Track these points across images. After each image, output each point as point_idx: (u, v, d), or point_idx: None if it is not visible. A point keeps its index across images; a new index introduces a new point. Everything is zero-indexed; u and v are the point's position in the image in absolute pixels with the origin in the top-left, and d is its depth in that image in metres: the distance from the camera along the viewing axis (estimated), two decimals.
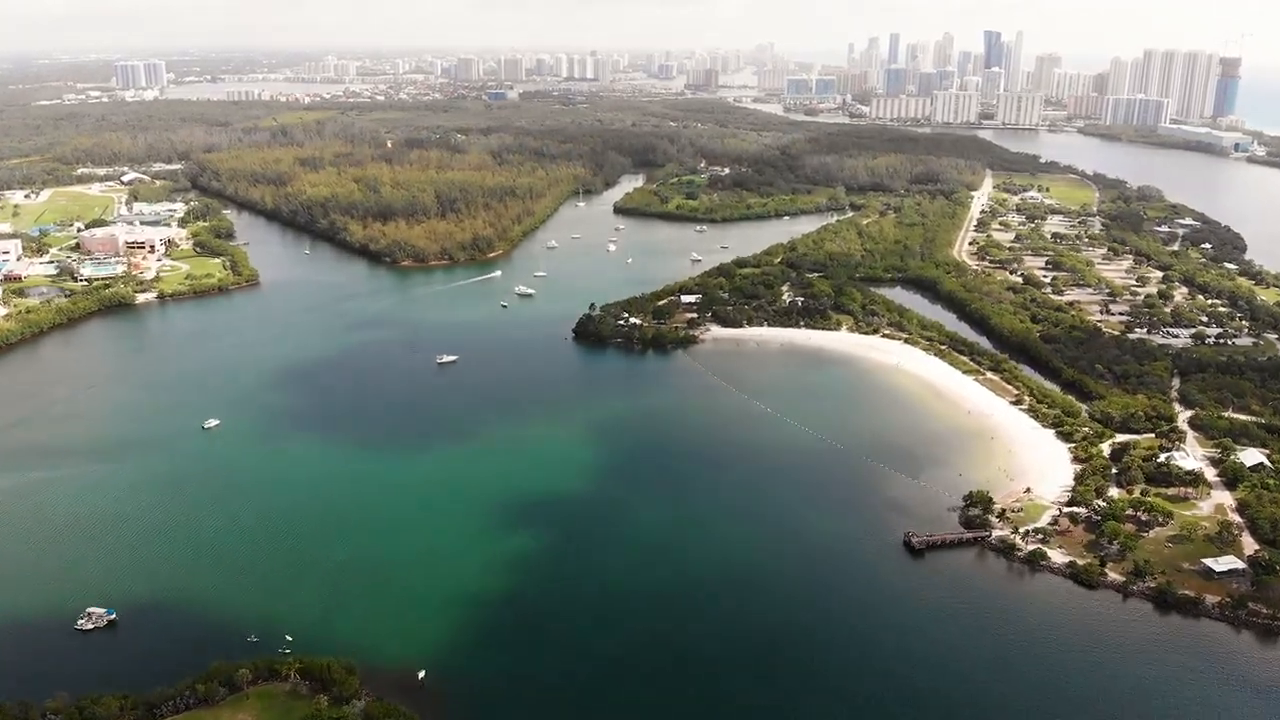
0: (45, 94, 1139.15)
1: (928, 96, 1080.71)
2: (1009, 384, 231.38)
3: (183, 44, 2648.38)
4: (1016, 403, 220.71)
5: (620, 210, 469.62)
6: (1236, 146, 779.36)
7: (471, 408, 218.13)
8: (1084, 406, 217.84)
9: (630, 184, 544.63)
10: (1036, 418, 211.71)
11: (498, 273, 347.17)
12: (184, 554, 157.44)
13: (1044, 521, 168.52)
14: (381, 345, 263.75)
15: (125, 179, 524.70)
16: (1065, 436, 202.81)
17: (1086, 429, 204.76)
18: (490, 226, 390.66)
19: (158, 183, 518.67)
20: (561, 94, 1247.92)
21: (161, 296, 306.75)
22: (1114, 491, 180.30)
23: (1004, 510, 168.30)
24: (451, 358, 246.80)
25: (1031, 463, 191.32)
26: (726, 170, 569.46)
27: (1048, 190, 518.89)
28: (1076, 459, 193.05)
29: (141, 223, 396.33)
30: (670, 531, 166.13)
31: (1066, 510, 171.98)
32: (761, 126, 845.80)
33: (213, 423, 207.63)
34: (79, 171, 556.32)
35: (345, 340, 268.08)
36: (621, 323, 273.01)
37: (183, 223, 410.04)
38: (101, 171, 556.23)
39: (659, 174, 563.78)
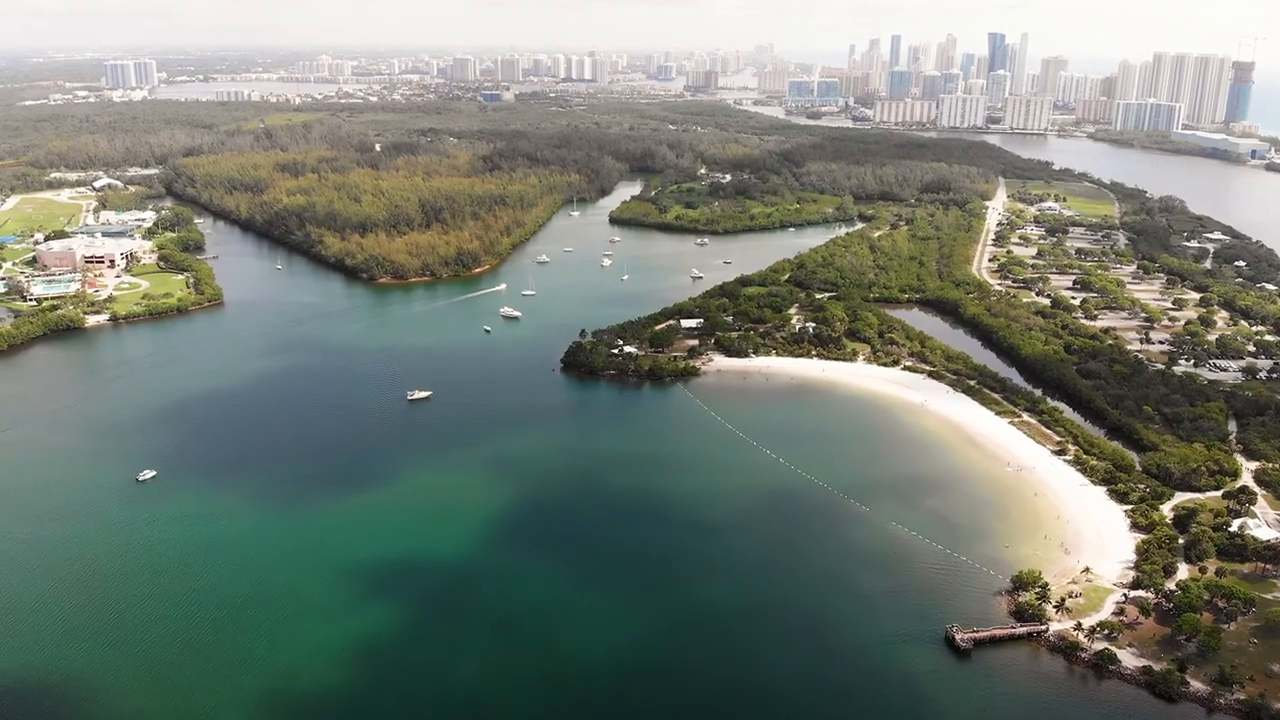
0: (33, 93, 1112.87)
1: (932, 100, 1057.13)
2: (1049, 429, 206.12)
3: (181, 43, 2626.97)
4: (1059, 452, 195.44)
5: (616, 220, 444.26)
6: (1253, 154, 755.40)
7: (442, 459, 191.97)
8: (1136, 458, 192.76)
9: (627, 191, 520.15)
10: (1084, 472, 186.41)
11: (502, 286, 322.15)
12: (91, 655, 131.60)
13: (1107, 610, 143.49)
14: (348, 378, 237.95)
15: (97, 185, 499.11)
16: (1119, 496, 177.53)
17: (1143, 487, 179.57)
18: (477, 239, 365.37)
19: (131, 189, 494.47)
20: (558, 95, 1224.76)
21: (114, 318, 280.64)
22: (1183, 569, 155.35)
23: (1063, 599, 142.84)
24: (424, 394, 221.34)
25: (1084, 530, 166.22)
26: (728, 177, 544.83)
27: (1065, 200, 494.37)
28: (1136, 526, 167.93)
29: (104, 234, 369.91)
30: (651, 624, 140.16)
31: (1132, 596, 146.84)
32: (764, 130, 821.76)
33: (148, 474, 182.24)
34: (51, 176, 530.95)
35: (309, 372, 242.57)
36: (615, 352, 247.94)
37: (150, 233, 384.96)
38: (73, 176, 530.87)
39: (657, 180, 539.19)
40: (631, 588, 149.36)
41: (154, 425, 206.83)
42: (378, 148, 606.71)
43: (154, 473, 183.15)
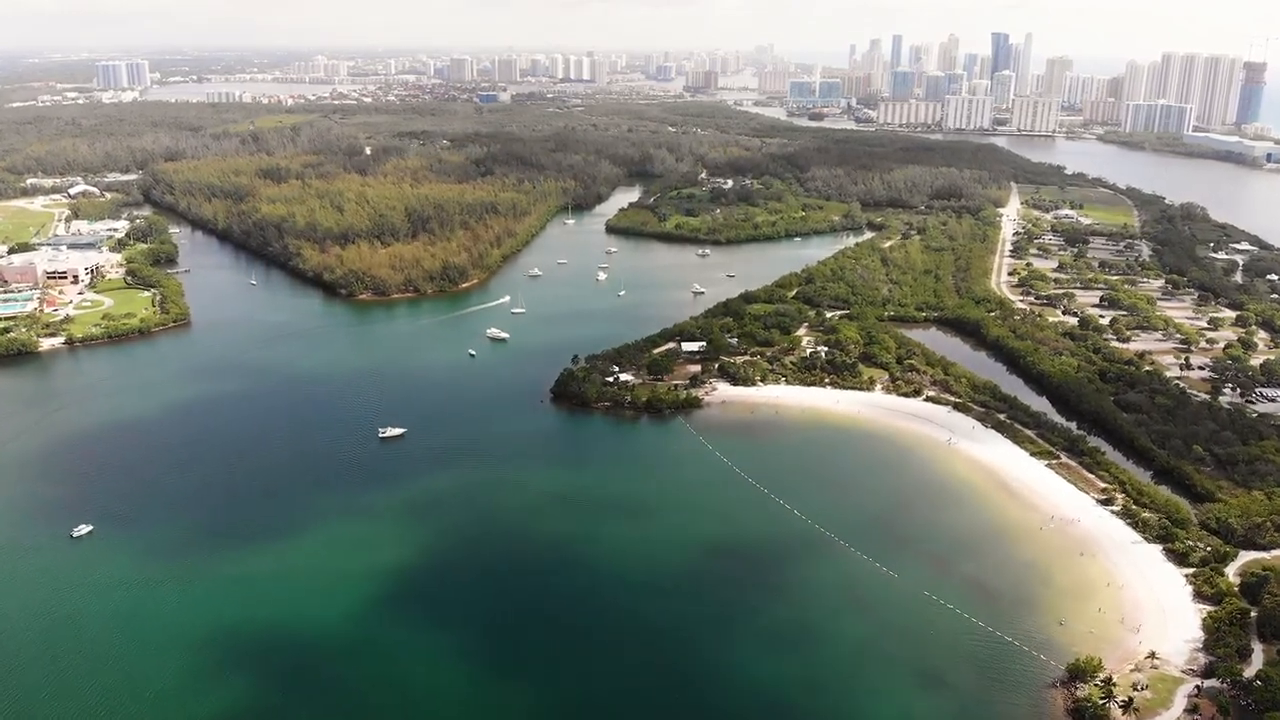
0: (22, 95, 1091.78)
1: (937, 101, 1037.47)
2: (1091, 472, 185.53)
3: (179, 43, 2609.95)
4: (1105, 501, 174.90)
5: (613, 229, 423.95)
6: (1269, 157, 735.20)
7: (400, 509, 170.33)
8: (1191, 509, 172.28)
9: (625, 197, 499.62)
10: (1136, 526, 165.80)
11: (506, 298, 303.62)
12: None
13: (1179, 707, 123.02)
14: (318, 411, 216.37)
15: (72, 192, 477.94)
16: (1177, 557, 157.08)
17: (1203, 546, 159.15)
18: (465, 251, 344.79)
19: (107, 196, 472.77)
20: (556, 96, 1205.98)
21: (71, 341, 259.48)
22: (1258, 649, 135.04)
23: (1130, 698, 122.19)
24: (398, 431, 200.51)
25: (1143, 600, 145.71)
26: (729, 182, 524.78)
27: (1082, 208, 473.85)
28: (1199, 595, 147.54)
29: (69, 246, 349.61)
30: None
31: (1205, 686, 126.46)
32: (765, 133, 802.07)
33: (83, 529, 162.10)
34: (28, 182, 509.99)
35: (272, 404, 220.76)
36: (610, 380, 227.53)
37: (121, 245, 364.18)
38: (49, 183, 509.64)
39: (656, 185, 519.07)
40: (571, 675, 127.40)
41: (95, 470, 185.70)
42: (367, 151, 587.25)
43: (90, 527, 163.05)
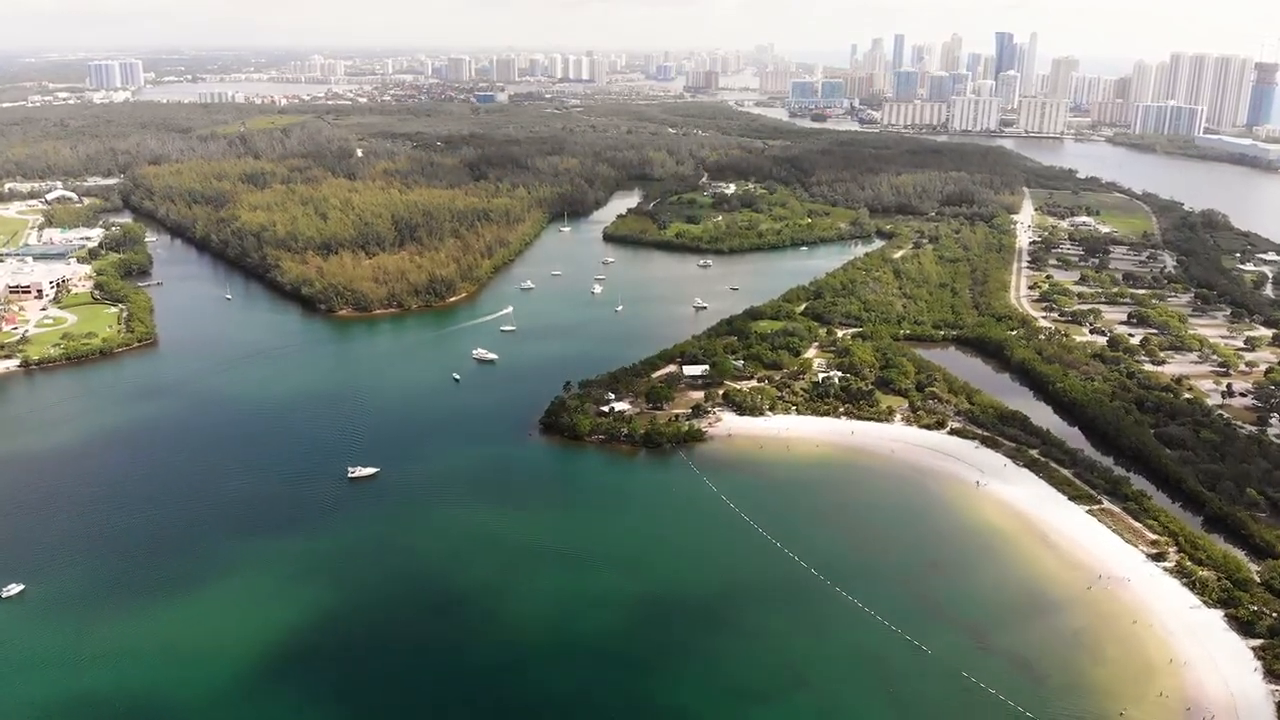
0: (12, 95, 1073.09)
1: (941, 101, 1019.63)
2: (1138, 520, 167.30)
3: (178, 43, 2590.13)
4: (1157, 556, 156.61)
5: (610, 238, 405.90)
6: None
7: (359, 570, 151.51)
8: (1253, 566, 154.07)
9: (623, 202, 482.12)
10: (1193, 587, 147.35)
11: (509, 309, 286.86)
12: None
13: None
14: (282, 445, 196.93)
15: (50, 197, 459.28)
16: (1242, 626, 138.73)
17: (1270, 612, 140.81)
18: (454, 262, 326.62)
19: (85, 201, 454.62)
20: (554, 96, 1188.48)
21: (27, 364, 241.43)
22: None
23: None
24: (369, 470, 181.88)
25: (1208, 681, 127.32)
26: (732, 187, 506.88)
27: (1099, 214, 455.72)
28: (1270, 673, 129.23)
29: (37, 258, 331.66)
30: None
31: None
32: (768, 134, 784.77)
33: (14, 589, 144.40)
34: (6, 187, 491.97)
35: (235, 437, 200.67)
36: (605, 410, 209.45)
37: (94, 255, 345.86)
38: (27, 188, 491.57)
39: (656, 190, 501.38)
40: None
41: (33, 519, 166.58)
42: (358, 153, 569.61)
43: (21, 586, 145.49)
